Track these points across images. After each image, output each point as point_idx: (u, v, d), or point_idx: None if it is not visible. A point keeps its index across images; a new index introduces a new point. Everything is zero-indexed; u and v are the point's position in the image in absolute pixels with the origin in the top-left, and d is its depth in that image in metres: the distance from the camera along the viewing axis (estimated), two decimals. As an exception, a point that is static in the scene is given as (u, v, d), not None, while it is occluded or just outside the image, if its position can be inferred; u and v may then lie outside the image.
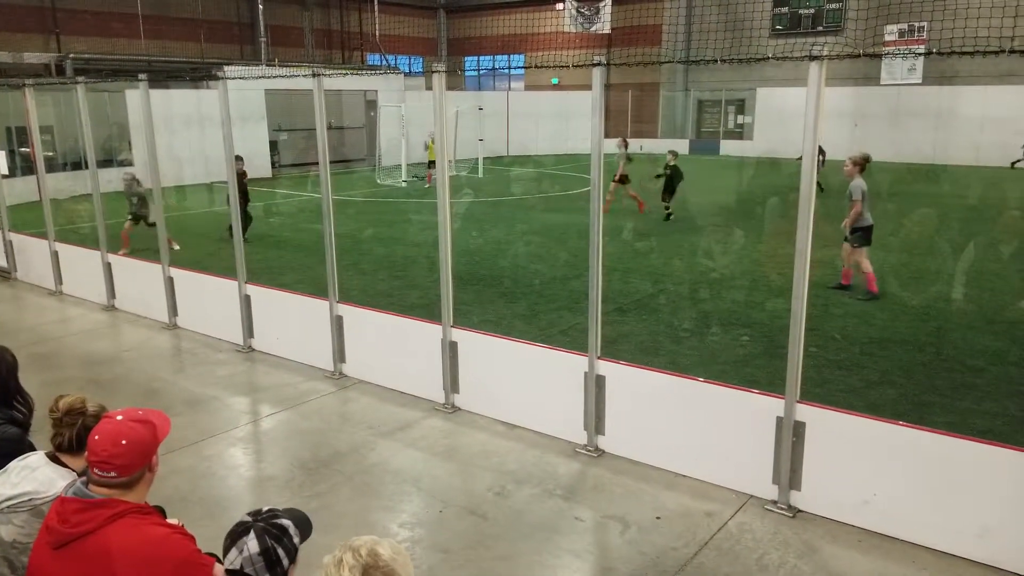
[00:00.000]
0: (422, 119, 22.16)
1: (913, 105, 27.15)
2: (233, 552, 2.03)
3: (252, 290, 7.72)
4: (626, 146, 16.31)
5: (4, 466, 2.68)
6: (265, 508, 2.17)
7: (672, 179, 14.94)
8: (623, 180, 15.75)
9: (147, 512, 2.28)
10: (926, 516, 4.27)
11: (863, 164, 9.05)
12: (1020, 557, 4.03)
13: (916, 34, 26.20)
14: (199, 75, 22.16)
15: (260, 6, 30.57)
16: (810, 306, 4.67)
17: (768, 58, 4.57)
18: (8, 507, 2.58)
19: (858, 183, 8.94)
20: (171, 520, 2.45)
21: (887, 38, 26.57)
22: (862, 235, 9.08)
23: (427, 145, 22.00)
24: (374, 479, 5.16)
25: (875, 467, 4.39)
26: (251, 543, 2.03)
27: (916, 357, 7.24)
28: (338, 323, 6.95)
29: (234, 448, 5.72)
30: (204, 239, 13.07)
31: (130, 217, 11.94)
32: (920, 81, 27.49)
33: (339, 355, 7.01)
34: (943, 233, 13.53)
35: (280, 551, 2.06)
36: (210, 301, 8.21)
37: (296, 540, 2.13)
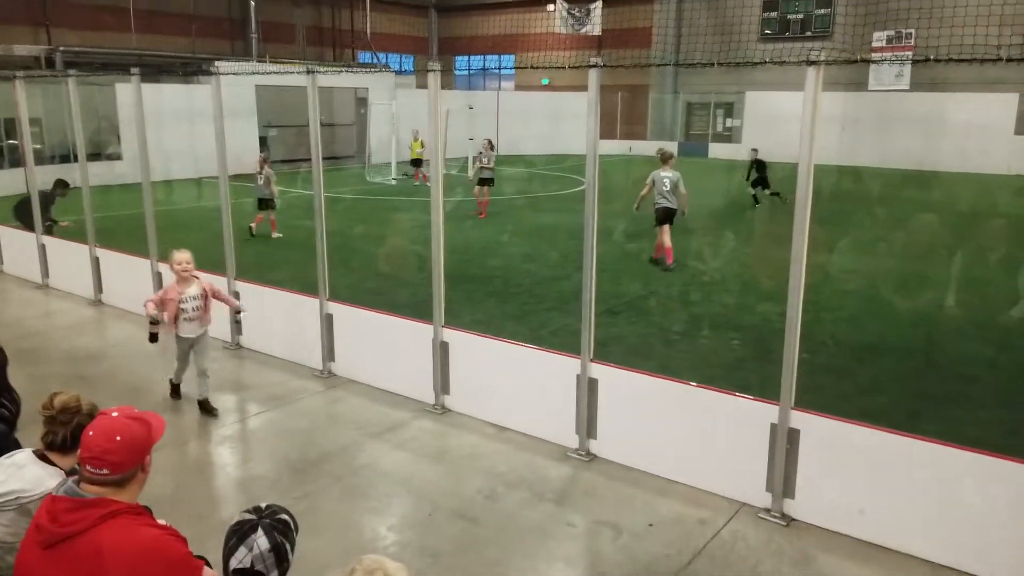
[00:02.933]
0: (412, 117, 22.07)
1: (901, 111, 27.34)
2: (242, 550, 2.01)
3: (241, 287, 7.64)
4: (492, 148, 16.19)
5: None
6: (264, 504, 2.16)
7: (759, 171, 17.34)
8: (487, 183, 15.85)
9: (139, 512, 2.24)
10: (922, 527, 4.24)
11: (667, 158, 11.14)
12: (1018, 570, 3.99)
13: (903, 40, 26.37)
14: (190, 70, 21.97)
15: (252, 2, 30.35)
16: (802, 311, 4.65)
17: (765, 63, 4.55)
18: (-7, 507, 2.52)
19: (654, 173, 10.97)
20: (160, 521, 2.40)
21: (875, 44, 26.72)
22: (660, 214, 10.98)
23: (411, 144, 21.93)
24: (363, 480, 5.11)
25: (871, 476, 4.36)
26: (260, 540, 2.03)
27: (907, 364, 7.27)
28: (328, 321, 6.89)
29: (221, 447, 5.65)
30: (190, 232, 12.89)
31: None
32: (907, 88, 27.68)
33: (328, 354, 6.94)
34: (932, 239, 13.61)
35: (287, 546, 2.07)
36: (198, 298, 8.09)
37: (295, 535, 2.14)
